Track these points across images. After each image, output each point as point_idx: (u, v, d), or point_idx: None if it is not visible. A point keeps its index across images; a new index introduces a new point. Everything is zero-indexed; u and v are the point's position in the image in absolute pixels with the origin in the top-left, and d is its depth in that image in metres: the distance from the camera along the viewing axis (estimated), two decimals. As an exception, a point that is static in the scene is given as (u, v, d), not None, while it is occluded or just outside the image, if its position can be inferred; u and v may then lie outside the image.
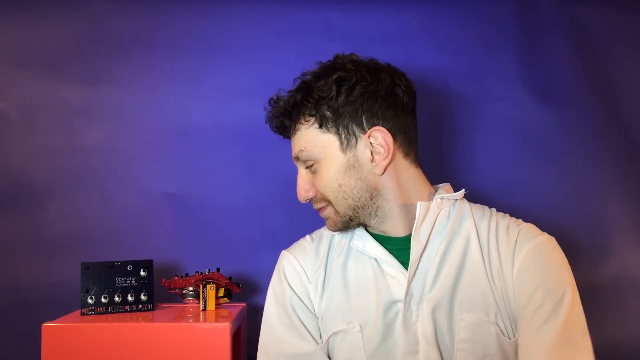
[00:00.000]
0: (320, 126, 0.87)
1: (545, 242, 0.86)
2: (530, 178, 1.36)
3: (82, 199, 1.37)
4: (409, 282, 0.86)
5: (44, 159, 1.38)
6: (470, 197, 0.96)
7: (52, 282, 1.34)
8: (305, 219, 1.35)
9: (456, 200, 0.91)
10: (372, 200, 0.88)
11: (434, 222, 0.88)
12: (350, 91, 0.86)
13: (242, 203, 1.37)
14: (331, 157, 0.87)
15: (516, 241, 0.86)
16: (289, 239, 1.07)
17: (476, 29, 1.40)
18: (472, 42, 1.39)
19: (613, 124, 1.36)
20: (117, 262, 1.21)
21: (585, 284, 1.32)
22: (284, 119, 0.92)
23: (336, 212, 0.89)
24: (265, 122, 0.96)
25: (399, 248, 0.89)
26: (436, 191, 0.93)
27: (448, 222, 0.89)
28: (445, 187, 0.94)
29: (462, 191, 0.91)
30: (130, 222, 1.37)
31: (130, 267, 1.21)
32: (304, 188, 0.91)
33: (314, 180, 0.90)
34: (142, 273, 1.22)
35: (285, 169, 1.36)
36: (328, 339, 0.90)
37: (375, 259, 0.90)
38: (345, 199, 0.87)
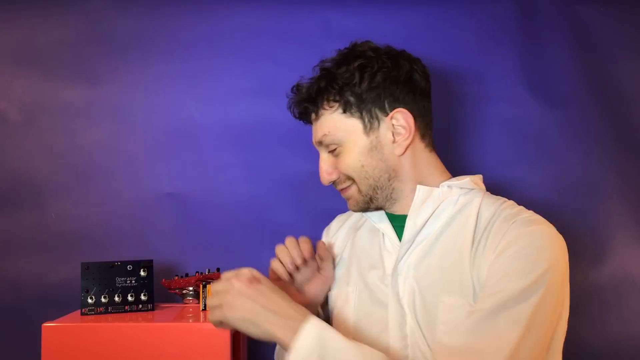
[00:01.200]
0: (344, 111, 0.90)
1: (534, 233, 0.81)
2: (530, 178, 1.35)
3: (82, 199, 1.37)
4: (398, 259, 0.89)
5: (44, 159, 1.38)
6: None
7: (52, 282, 1.34)
8: (305, 219, 1.35)
9: (471, 189, 0.91)
10: (389, 181, 0.91)
11: (436, 208, 0.90)
12: (372, 77, 0.89)
13: (242, 203, 1.38)
14: (354, 140, 0.90)
15: (506, 230, 0.82)
16: (289, 239, 1.07)
17: (476, 29, 1.39)
18: (472, 42, 1.39)
19: (613, 124, 1.36)
20: (117, 262, 1.21)
21: (585, 284, 1.33)
22: (308, 104, 0.94)
23: (359, 191, 0.93)
24: (288, 109, 0.98)
25: (401, 225, 0.92)
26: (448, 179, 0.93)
27: (452, 209, 0.90)
28: (470, 177, 0.93)
29: (468, 180, 0.91)
30: (130, 222, 1.37)
31: (130, 267, 1.21)
32: (327, 171, 0.94)
33: (337, 163, 0.93)
34: (142, 273, 1.22)
35: (285, 169, 1.37)
36: (330, 293, 1.01)
37: (383, 233, 0.95)
38: (367, 179, 0.91)
